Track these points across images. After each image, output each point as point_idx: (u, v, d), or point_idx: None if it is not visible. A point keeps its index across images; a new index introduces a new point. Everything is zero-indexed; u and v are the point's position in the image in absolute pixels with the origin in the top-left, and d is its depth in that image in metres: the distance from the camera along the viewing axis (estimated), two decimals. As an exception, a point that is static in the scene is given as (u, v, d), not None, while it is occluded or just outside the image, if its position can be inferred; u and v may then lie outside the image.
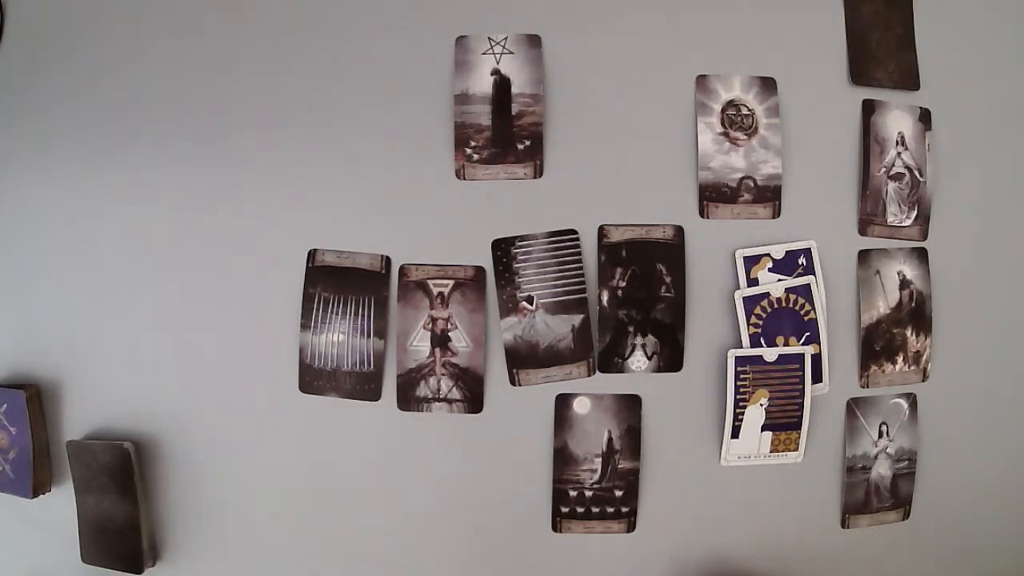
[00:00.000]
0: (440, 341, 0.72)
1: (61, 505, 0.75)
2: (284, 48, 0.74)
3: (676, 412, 0.73)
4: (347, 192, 0.73)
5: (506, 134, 0.72)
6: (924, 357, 0.76)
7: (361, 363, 0.72)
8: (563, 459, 0.73)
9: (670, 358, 0.73)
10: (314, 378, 0.73)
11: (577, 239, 0.72)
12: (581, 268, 0.72)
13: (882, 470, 0.75)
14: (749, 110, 0.73)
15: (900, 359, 0.75)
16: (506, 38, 0.72)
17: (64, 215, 0.75)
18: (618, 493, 0.73)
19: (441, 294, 0.72)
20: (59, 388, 0.75)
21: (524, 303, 0.72)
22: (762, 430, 0.72)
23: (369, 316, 0.72)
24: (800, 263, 0.73)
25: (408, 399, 0.72)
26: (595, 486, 0.73)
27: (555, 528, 0.74)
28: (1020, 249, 0.78)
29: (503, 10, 0.73)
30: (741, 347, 0.72)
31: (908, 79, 0.76)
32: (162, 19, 0.75)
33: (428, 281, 0.72)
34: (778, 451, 0.73)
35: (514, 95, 0.72)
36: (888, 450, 0.75)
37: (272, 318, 0.73)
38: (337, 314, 0.72)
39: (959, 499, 0.78)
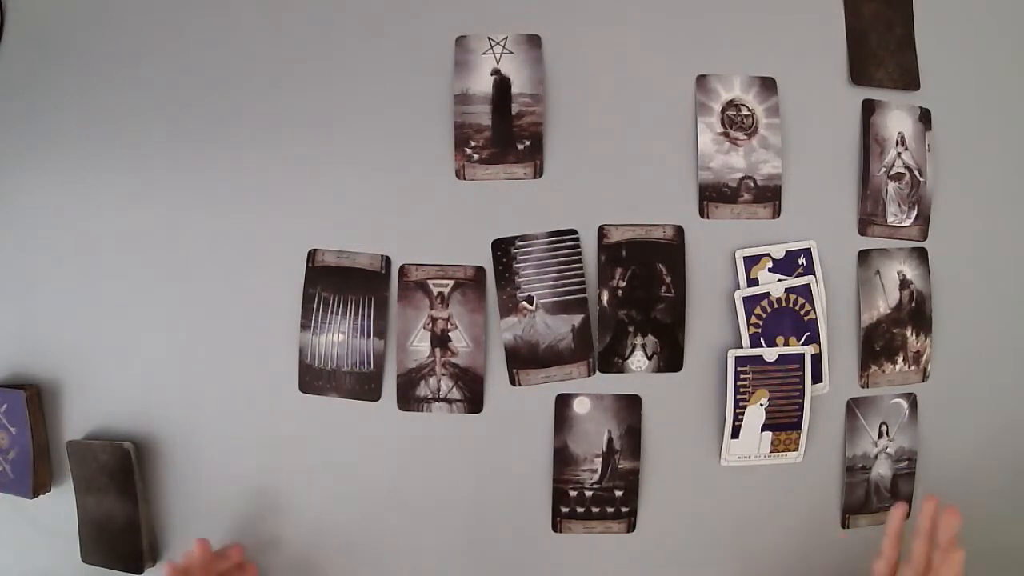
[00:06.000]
0: (440, 341, 0.72)
1: (61, 505, 0.75)
2: (284, 48, 0.74)
3: (676, 412, 0.73)
4: (347, 192, 0.73)
5: (506, 134, 0.72)
6: (924, 357, 0.76)
7: (361, 363, 0.72)
8: (563, 459, 0.73)
9: (670, 358, 0.73)
10: (314, 378, 0.73)
11: (577, 239, 0.72)
12: (581, 268, 0.72)
13: (882, 470, 0.75)
14: (749, 110, 0.73)
15: (900, 359, 0.75)
16: (506, 38, 0.72)
17: (64, 215, 0.75)
18: (618, 493, 0.73)
19: (441, 294, 0.72)
20: (59, 388, 0.75)
21: (524, 303, 0.72)
22: (762, 430, 0.72)
23: (369, 316, 0.72)
24: (800, 263, 0.73)
25: (408, 399, 0.72)
26: (595, 486, 0.73)
27: (555, 528, 0.74)
28: (1020, 249, 0.78)
29: (503, 10, 0.73)
30: (741, 347, 0.72)
31: (908, 79, 0.76)
32: (162, 19, 0.75)
33: (428, 281, 0.72)
34: (778, 451, 0.73)
35: (514, 95, 0.72)
36: (888, 450, 0.75)
37: (272, 318, 0.73)
38: (337, 314, 0.72)
39: (959, 499, 0.77)
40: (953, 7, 0.77)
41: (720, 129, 0.73)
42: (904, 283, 0.75)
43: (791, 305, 0.73)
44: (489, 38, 0.72)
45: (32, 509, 0.75)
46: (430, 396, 0.72)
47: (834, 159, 0.75)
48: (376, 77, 0.73)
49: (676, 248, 0.72)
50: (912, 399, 0.75)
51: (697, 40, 0.74)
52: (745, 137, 0.73)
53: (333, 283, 0.72)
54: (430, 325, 0.72)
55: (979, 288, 0.77)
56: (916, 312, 0.75)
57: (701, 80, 0.73)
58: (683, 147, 0.73)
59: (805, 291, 0.73)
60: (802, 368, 0.72)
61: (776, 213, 0.73)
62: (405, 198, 0.73)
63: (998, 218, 0.78)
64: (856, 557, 0.76)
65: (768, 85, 0.73)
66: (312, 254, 0.73)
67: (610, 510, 0.73)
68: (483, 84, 0.72)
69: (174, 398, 0.74)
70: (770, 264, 0.73)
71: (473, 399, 0.72)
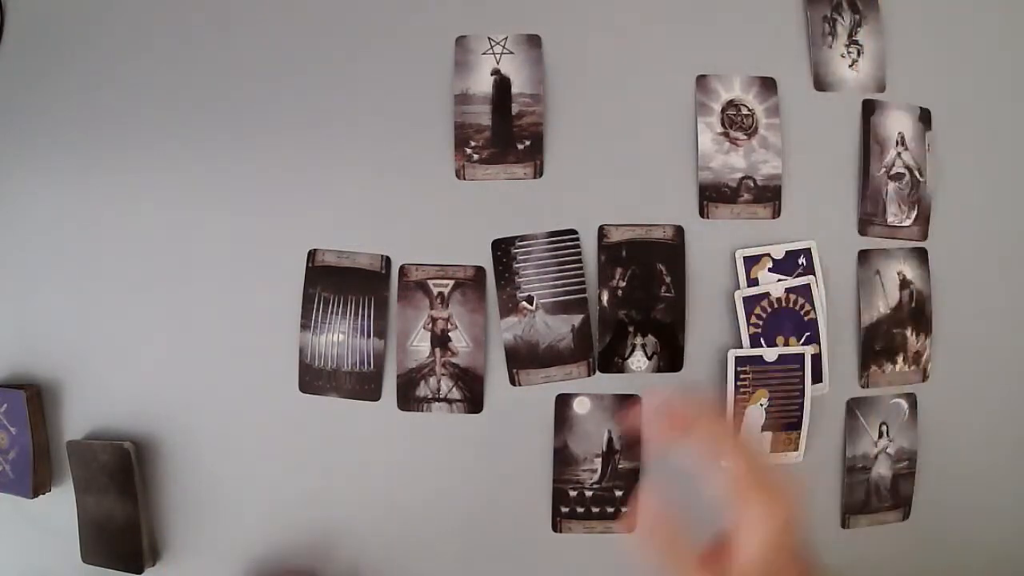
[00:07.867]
0: (440, 341, 0.72)
1: (61, 505, 0.75)
2: (284, 48, 0.74)
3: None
4: (347, 192, 0.73)
5: (506, 134, 0.72)
6: (924, 357, 0.76)
7: (361, 363, 0.72)
8: (563, 459, 0.73)
9: (670, 358, 0.73)
10: (314, 378, 0.73)
11: (577, 239, 0.72)
12: (581, 268, 0.72)
13: (882, 470, 0.75)
14: (749, 110, 0.73)
15: (900, 359, 0.75)
16: (506, 38, 0.72)
17: (64, 215, 0.75)
18: (618, 493, 0.73)
19: (441, 294, 0.72)
20: (59, 388, 0.75)
21: (524, 303, 0.72)
22: (762, 430, 0.72)
23: (369, 316, 0.72)
24: (800, 263, 0.73)
25: (408, 399, 0.72)
26: (595, 486, 0.73)
27: (555, 528, 0.74)
28: (1020, 249, 0.78)
29: (503, 10, 0.73)
30: (741, 347, 0.72)
31: (908, 79, 0.76)
32: (162, 19, 0.75)
33: (428, 281, 0.72)
34: (778, 451, 0.73)
35: (514, 95, 0.72)
36: (888, 450, 0.75)
37: (272, 318, 0.73)
38: (337, 314, 0.72)
39: (959, 499, 0.78)
40: (953, 7, 0.77)
41: (720, 129, 0.73)
42: (904, 283, 0.75)
43: (791, 305, 0.73)
44: (489, 38, 0.72)
45: (32, 509, 0.75)
46: (430, 396, 0.72)
47: (834, 159, 0.75)
48: (376, 77, 0.73)
49: (676, 248, 0.72)
50: (912, 399, 0.75)
51: (697, 40, 0.74)
52: (745, 137, 0.73)
53: (333, 283, 0.72)
54: (430, 325, 0.72)
55: (979, 288, 0.77)
56: (916, 312, 0.75)
57: (701, 80, 0.73)
58: (683, 147, 0.73)
59: (805, 291, 0.73)
60: (802, 368, 0.72)
61: (776, 213, 0.73)
62: (405, 198, 0.73)
63: (998, 218, 0.78)
64: (856, 557, 0.76)
65: (768, 85, 0.73)
66: (312, 254, 0.73)
67: (610, 510, 0.73)
68: (483, 84, 0.72)
69: (174, 398, 0.74)
70: (770, 264, 0.73)
71: (473, 399, 0.72)
